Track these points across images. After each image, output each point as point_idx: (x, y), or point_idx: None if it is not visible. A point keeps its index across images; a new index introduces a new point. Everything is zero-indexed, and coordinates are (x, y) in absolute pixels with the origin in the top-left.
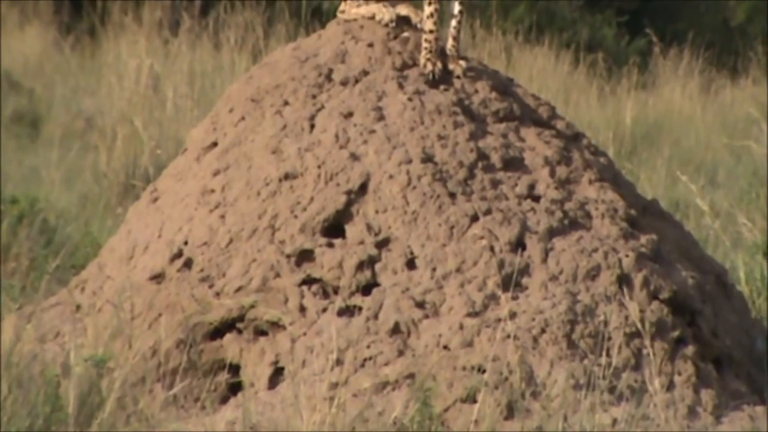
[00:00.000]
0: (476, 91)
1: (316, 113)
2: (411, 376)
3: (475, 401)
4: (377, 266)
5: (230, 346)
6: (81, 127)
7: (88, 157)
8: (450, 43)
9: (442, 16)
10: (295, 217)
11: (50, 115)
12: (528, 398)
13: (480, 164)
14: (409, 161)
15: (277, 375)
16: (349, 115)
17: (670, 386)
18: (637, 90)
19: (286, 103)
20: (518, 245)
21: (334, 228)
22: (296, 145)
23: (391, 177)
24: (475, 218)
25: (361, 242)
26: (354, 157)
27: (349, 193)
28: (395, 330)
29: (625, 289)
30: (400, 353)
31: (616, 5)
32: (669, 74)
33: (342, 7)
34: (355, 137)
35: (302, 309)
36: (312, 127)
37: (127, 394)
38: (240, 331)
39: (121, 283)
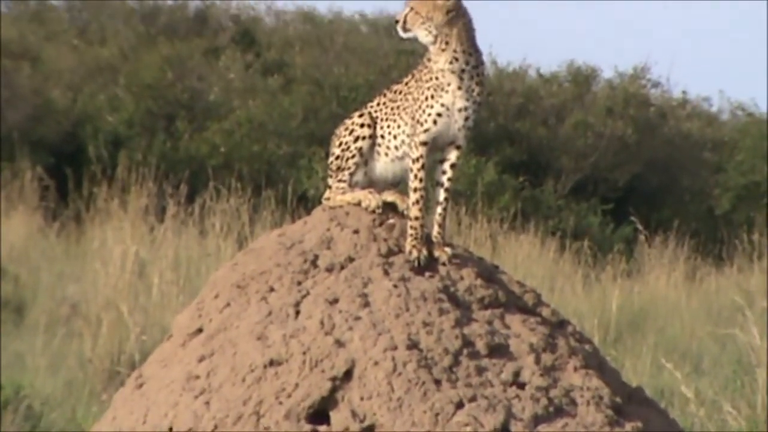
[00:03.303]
0: (462, 278)
1: (302, 299)
2: None
3: None
4: None
5: None
6: (66, 313)
7: (73, 343)
8: (435, 229)
9: (427, 203)
10: (280, 403)
11: (35, 302)
12: None
13: (465, 351)
14: (395, 348)
15: None
16: (335, 301)
17: None
18: (623, 277)
19: (272, 289)
20: None
21: (319, 414)
22: (281, 332)
23: (376, 363)
24: (460, 405)
25: (346, 429)
26: (339, 343)
27: (334, 379)
28: None
29: None
30: None
31: (601, 193)
32: (654, 262)
33: (327, 194)
34: (340, 324)
35: None
36: (297, 313)
37: None
38: None
39: None
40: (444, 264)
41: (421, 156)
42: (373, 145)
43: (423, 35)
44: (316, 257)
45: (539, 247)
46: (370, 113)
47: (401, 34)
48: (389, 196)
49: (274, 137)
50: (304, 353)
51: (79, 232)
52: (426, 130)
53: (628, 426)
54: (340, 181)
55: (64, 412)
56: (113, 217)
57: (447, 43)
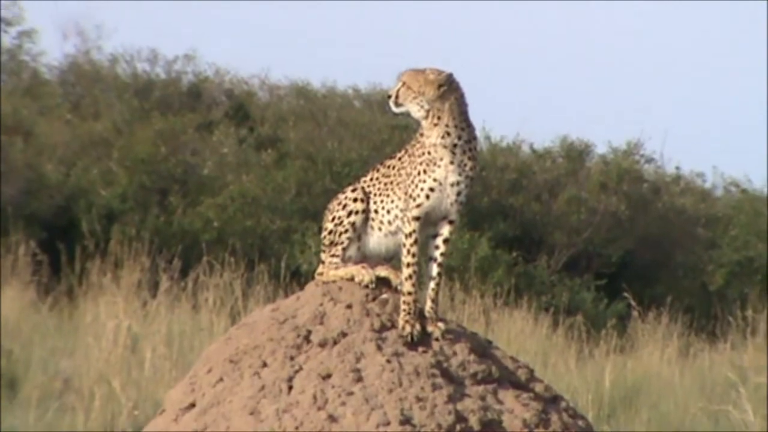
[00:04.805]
0: (455, 353)
1: (294, 374)
2: None
3: None
4: None
5: None
6: (58, 388)
7: (65, 418)
8: (428, 305)
9: (420, 278)
10: None
11: (27, 376)
12: None
13: (458, 427)
14: (387, 423)
15: None
16: (328, 376)
17: None
18: (616, 353)
19: (265, 364)
20: None
21: None
22: (274, 406)
23: None
24: None
25: None
26: (332, 418)
27: None
28: None
29: None
30: None
31: (594, 269)
32: (647, 338)
33: (320, 269)
34: (333, 399)
35: None
36: (290, 388)
37: None
38: None
39: None
40: (437, 339)
41: (414, 231)
42: (366, 219)
43: (415, 110)
44: (309, 332)
45: (532, 322)
46: (363, 188)
47: (393, 109)
48: (382, 271)
49: (268, 212)
50: (297, 428)
51: (71, 307)
52: (418, 205)
53: None
54: (333, 255)
55: None
56: (106, 292)
57: (439, 117)
